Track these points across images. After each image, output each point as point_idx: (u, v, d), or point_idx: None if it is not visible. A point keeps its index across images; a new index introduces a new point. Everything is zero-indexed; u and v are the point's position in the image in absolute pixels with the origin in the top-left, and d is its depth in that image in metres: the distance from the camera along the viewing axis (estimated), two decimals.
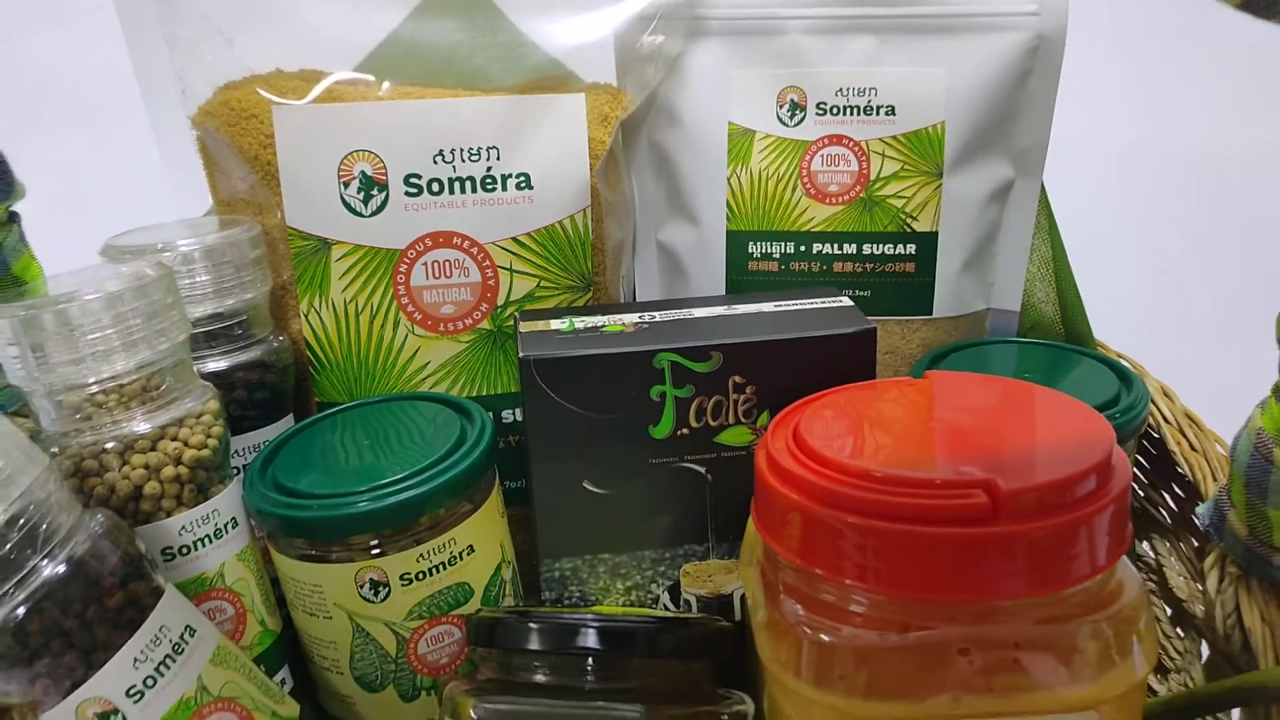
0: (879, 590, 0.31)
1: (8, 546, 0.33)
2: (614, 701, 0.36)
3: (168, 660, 0.35)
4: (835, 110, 0.50)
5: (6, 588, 0.33)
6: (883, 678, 0.31)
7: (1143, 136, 0.81)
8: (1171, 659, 0.50)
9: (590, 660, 0.37)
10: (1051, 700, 0.31)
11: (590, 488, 0.45)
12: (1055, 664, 0.32)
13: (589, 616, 0.38)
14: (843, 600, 0.32)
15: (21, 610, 0.33)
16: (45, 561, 0.33)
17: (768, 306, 0.46)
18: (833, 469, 0.33)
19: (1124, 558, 0.34)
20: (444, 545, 0.41)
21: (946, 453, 0.34)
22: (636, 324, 0.44)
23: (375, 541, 0.41)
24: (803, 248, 0.51)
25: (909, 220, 0.50)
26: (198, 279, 0.45)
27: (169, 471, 0.39)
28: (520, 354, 0.42)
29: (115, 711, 0.34)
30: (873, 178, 0.51)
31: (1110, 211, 0.86)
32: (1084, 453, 0.32)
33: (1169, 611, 0.50)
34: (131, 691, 0.34)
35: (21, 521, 0.33)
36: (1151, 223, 0.75)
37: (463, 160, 0.48)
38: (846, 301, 0.45)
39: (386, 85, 0.48)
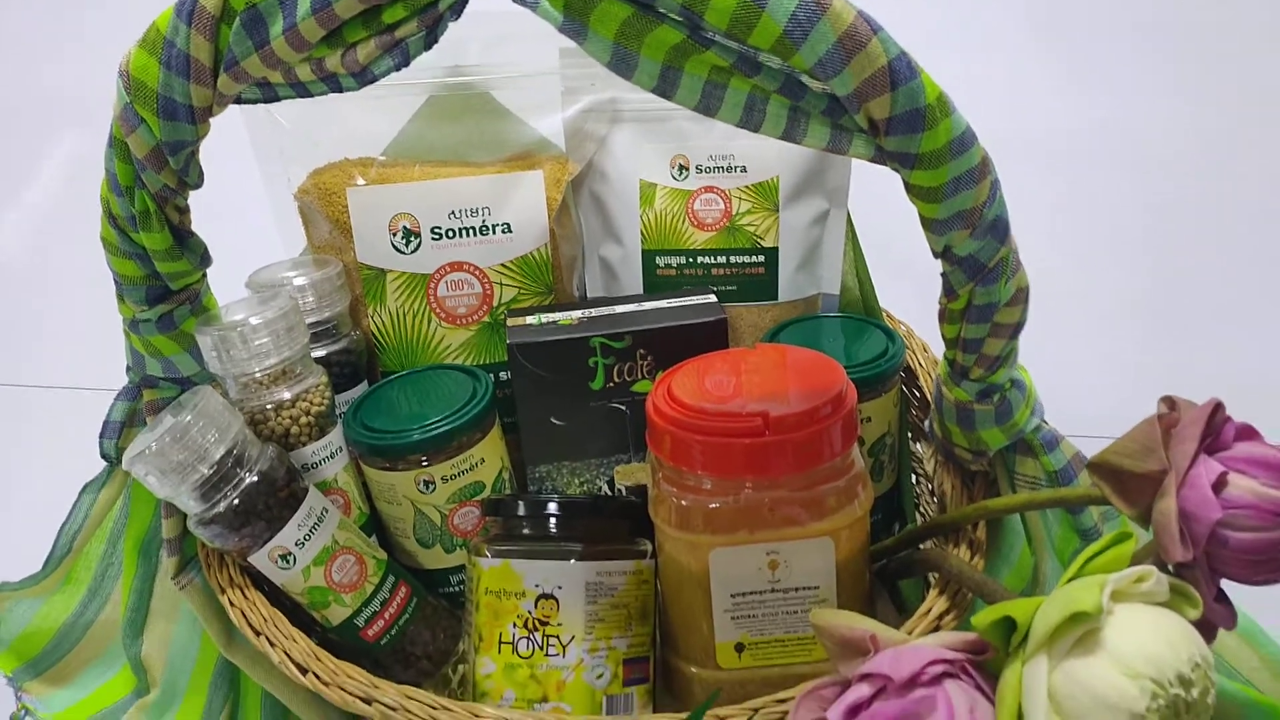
0: (710, 474, 0.42)
1: (228, 465, 0.44)
2: (568, 541, 0.46)
3: (315, 526, 0.46)
4: (708, 169, 0.59)
5: (226, 489, 0.44)
6: (714, 522, 0.42)
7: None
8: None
9: (552, 519, 0.46)
10: (805, 531, 0.42)
11: (554, 420, 0.54)
12: (812, 509, 0.42)
13: (552, 497, 0.48)
14: (693, 481, 0.42)
15: (236, 500, 0.44)
16: (246, 473, 0.45)
17: (663, 303, 0.56)
18: (684, 407, 0.42)
19: (854, 446, 0.43)
20: (466, 459, 0.51)
21: (747, 394, 0.43)
22: (580, 319, 0.55)
23: (424, 458, 0.50)
24: (691, 260, 0.60)
25: (759, 239, 0.59)
26: (307, 299, 0.54)
27: (303, 420, 0.49)
28: (508, 341, 0.53)
29: (289, 554, 0.46)
30: (734, 213, 0.59)
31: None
32: (825, 391, 0.42)
33: (929, 488, 0.61)
34: (297, 542, 0.46)
35: (234, 452, 0.45)
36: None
37: (468, 216, 0.57)
38: (712, 298, 0.56)
39: (417, 168, 0.57)
